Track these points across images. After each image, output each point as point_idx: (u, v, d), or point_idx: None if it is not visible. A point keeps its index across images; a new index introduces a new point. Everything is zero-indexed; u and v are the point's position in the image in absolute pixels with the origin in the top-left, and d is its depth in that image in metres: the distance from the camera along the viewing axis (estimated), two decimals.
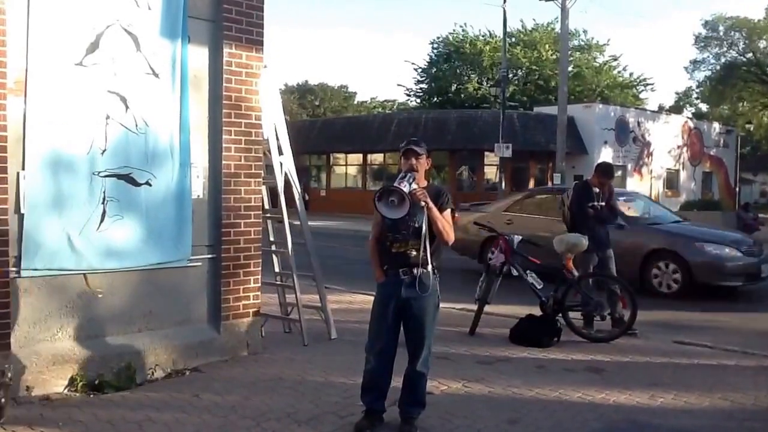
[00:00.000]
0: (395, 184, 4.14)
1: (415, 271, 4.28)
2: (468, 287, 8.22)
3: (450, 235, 4.31)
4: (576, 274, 7.31)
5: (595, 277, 7.51)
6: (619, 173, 30.19)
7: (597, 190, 7.69)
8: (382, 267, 4.43)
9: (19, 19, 4.88)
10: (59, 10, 5.04)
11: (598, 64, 41.93)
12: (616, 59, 42.64)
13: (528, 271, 7.35)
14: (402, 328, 4.44)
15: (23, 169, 4.92)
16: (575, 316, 7.34)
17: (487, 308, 7.46)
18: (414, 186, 4.20)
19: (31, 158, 4.94)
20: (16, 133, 4.88)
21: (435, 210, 4.24)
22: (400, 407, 4.49)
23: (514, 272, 7.39)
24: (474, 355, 6.47)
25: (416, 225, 4.26)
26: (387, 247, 4.37)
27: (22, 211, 4.91)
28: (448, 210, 4.38)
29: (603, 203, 7.66)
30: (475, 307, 7.50)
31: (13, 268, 4.88)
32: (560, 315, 7.18)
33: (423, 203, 4.18)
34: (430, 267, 4.31)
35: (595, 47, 42.26)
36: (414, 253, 4.27)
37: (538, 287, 7.28)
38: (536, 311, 7.25)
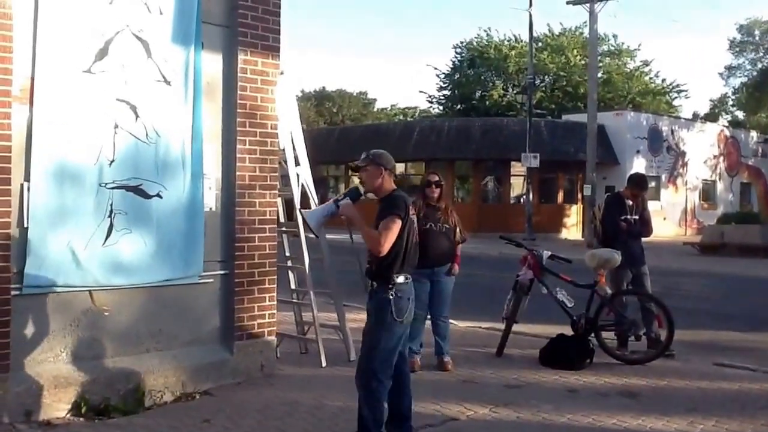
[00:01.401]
0: (311, 208, 4.49)
1: (372, 283, 4.44)
2: (494, 305, 8.07)
3: (374, 246, 4.28)
4: (609, 291, 7.14)
5: (629, 294, 7.34)
6: (652, 184, 29.83)
7: (630, 202, 7.56)
8: None
9: (26, 24, 4.86)
10: (68, 15, 5.02)
11: (628, 70, 41.62)
12: (647, 65, 42.33)
13: (558, 289, 7.20)
14: None
15: (27, 180, 4.88)
16: (608, 336, 7.17)
17: (515, 327, 7.31)
18: (345, 201, 4.48)
19: (36, 169, 4.90)
20: (20, 143, 4.85)
21: (357, 224, 4.47)
22: None
23: (544, 290, 7.24)
24: (501, 377, 6.32)
25: None
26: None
27: (25, 225, 4.86)
28: (387, 218, 4.35)
29: (636, 216, 7.51)
30: (502, 326, 7.36)
31: (15, 285, 4.81)
32: (592, 335, 7.01)
33: (344, 217, 4.47)
34: (380, 280, 4.37)
35: (625, 52, 41.97)
36: (370, 266, 4.45)
37: (569, 305, 7.12)
38: (567, 331, 7.10)
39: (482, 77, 42.22)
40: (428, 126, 31.24)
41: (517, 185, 29.27)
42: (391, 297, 4.31)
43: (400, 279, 4.35)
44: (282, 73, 6.30)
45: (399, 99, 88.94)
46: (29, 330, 4.91)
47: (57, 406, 4.91)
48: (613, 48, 41.68)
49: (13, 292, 4.79)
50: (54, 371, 4.97)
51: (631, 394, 5.87)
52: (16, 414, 4.72)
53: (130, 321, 5.37)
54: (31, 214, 4.88)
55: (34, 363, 4.94)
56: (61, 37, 4.99)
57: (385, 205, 4.43)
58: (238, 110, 5.90)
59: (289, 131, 6.66)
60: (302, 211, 4.33)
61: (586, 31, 30.84)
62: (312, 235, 4.39)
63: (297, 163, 6.75)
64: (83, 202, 5.10)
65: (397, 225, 4.32)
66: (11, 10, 4.75)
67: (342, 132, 36.64)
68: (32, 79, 4.89)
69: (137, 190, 5.36)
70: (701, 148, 33.08)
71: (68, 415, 4.93)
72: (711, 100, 51.47)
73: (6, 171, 4.74)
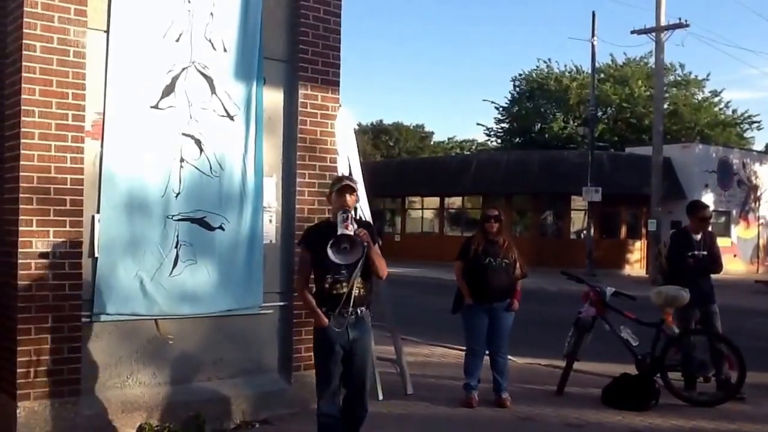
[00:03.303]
0: (344, 231, 4.33)
1: (359, 311, 4.55)
2: (555, 342, 8.04)
3: (385, 270, 4.62)
4: (676, 330, 7.05)
5: (697, 334, 7.22)
6: (722, 219, 29.15)
7: (698, 237, 7.43)
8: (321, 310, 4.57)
9: (98, 62, 5.20)
10: (137, 53, 5.35)
11: (696, 101, 40.86)
12: (717, 95, 41.48)
13: (622, 326, 7.14)
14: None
15: (98, 212, 5.18)
16: (675, 376, 7.06)
17: (576, 365, 7.27)
18: (354, 225, 4.40)
19: (106, 201, 5.21)
20: (92, 176, 5.18)
21: (374, 248, 4.52)
22: None
23: (606, 327, 7.19)
24: (562, 416, 6.30)
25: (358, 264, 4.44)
26: (326, 289, 4.53)
27: (95, 255, 5.17)
28: (376, 245, 4.58)
29: (705, 252, 7.39)
30: (562, 363, 7.33)
31: (85, 312, 5.11)
32: (658, 375, 6.92)
33: (365, 243, 4.39)
34: (368, 306, 4.62)
35: (693, 83, 41.25)
36: (358, 291, 4.51)
37: (634, 344, 7.05)
38: (631, 370, 7.02)
39: (542, 109, 42.06)
40: (486, 159, 31.28)
41: (578, 219, 28.94)
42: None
43: None
44: (341, 107, 6.52)
45: (456, 132, 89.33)
46: (98, 356, 5.19)
47: (123, 430, 5.15)
48: (680, 78, 41.05)
49: (83, 320, 5.09)
50: (121, 396, 5.23)
51: None
52: None
53: (193, 349, 5.61)
54: (101, 245, 5.18)
55: (103, 388, 5.20)
56: (130, 74, 5.32)
57: (369, 230, 4.56)
58: (299, 144, 6.13)
59: (348, 164, 6.85)
60: (343, 233, 4.38)
61: (652, 60, 30.58)
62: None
63: None
64: (151, 233, 5.38)
65: None
66: (84, 49, 5.10)
67: (398, 165, 36.97)
68: (103, 114, 5.22)
69: (202, 222, 5.62)
70: None
71: None
72: None
73: (78, 203, 5.07)
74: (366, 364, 4.69)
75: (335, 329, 4.51)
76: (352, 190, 4.59)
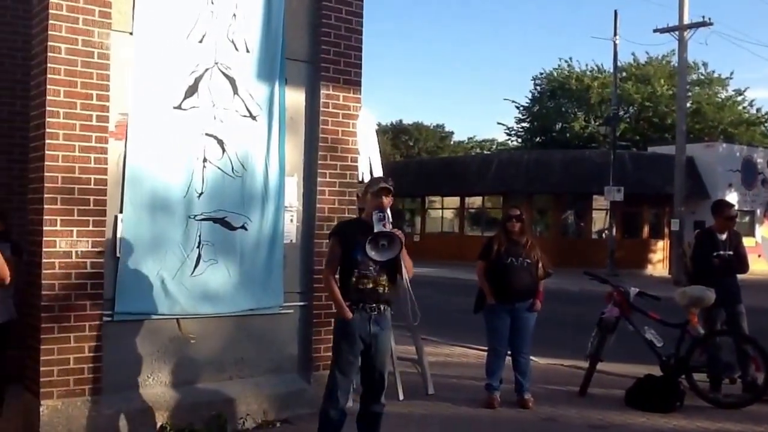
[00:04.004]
0: (382, 228, 4.44)
1: (382, 307, 4.65)
2: (578, 342, 7.96)
3: (412, 270, 4.80)
4: (701, 331, 6.95)
5: (723, 335, 7.11)
6: (746, 219, 28.78)
7: (723, 237, 7.33)
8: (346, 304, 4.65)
9: (122, 63, 5.22)
10: (160, 54, 5.36)
11: (720, 100, 40.41)
12: (740, 94, 40.97)
13: (646, 327, 7.05)
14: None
15: (121, 212, 5.20)
16: (700, 378, 6.95)
17: (600, 366, 7.19)
18: (390, 225, 4.54)
19: (130, 201, 5.22)
20: (115, 177, 5.20)
21: (404, 250, 4.60)
22: None
23: (630, 328, 7.10)
24: (585, 418, 6.23)
25: (384, 261, 4.53)
26: (352, 284, 4.62)
27: (117, 254, 5.18)
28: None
29: (731, 252, 7.28)
30: (585, 364, 7.25)
31: (107, 311, 5.13)
32: (683, 376, 6.82)
33: (402, 242, 4.51)
34: (389, 302, 4.72)
35: (716, 81, 40.80)
36: (382, 289, 4.63)
37: (658, 345, 6.96)
38: (655, 371, 6.93)
39: (563, 109, 41.81)
40: (506, 159, 31.12)
41: (599, 219, 28.73)
42: None
43: None
44: (362, 107, 6.50)
45: (476, 132, 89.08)
46: (119, 355, 5.20)
47: (144, 429, 5.16)
48: (703, 77, 40.62)
49: (105, 319, 5.11)
50: (142, 395, 5.24)
51: None
52: None
53: (215, 349, 5.61)
54: (124, 245, 5.20)
55: (124, 387, 5.22)
56: (154, 75, 5.33)
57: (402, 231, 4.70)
58: (320, 144, 6.12)
59: (369, 164, 6.83)
60: (384, 231, 4.47)
61: (674, 59, 30.29)
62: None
63: None
64: (173, 233, 5.39)
65: None
66: (109, 50, 5.12)
67: (418, 165, 36.90)
68: (127, 115, 5.24)
69: (223, 222, 5.62)
70: None
71: None
72: None
73: (102, 203, 5.09)
74: (386, 360, 4.77)
75: (358, 322, 4.61)
76: (389, 192, 4.70)
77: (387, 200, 4.68)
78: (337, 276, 4.76)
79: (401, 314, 6.99)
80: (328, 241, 4.98)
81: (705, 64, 40.19)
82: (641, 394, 6.69)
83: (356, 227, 4.74)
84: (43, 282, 4.89)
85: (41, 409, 4.85)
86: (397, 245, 4.46)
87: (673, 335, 7.00)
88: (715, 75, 40.68)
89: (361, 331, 4.62)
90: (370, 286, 4.61)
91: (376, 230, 4.44)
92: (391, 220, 4.64)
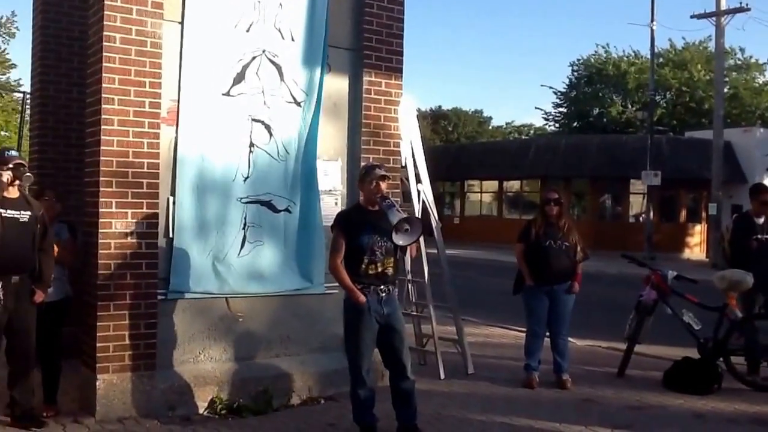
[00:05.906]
0: (397, 214, 4.48)
1: (391, 288, 4.73)
2: (616, 324, 7.81)
3: (415, 251, 4.93)
4: (739, 314, 6.76)
5: (762, 319, 6.91)
6: None
7: (761, 221, 7.10)
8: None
9: (173, 52, 5.24)
10: (209, 43, 5.37)
11: (757, 85, 39.24)
12: None
13: (684, 310, 6.88)
14: (378, 346, 4.78)
15: (173, 194, 5.23)
16: (738, 360, 6.77)
17: (637, 348, 7.05)
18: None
19: (181, 184, 5.25)
20: (167, 161, 5.23)
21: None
22: (401, 421, 4.80)
23: (668, 311, 6.94)
24: (623, 399, 6.11)
25: (388, 245, 4.62)
26: (362, 269, 4.64)
27: (170, 236, 5.23)
28: None
29: None
30: (623, 346, 7.12)
31: (161, 290, 5.18)
32: (721, 359, 6.65)
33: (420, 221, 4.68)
34: (395, 282, 4.82)
35: (753, 66, 39.60)
36: (391, 271, 4.71)
37: (696, 328, 6.79)
38: (693, 354, 6.77)
39: (600, 94, 41.07)
40: (544, 143, 30.69)
41: (636, 203, 28.17)
42: None
43: None
44: (403, 93, 6.43)
45: (514, 117, 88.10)
46: (172, 332, 5.27)
47: (195, 403, 5.23)
48: (740, 62, 39.46)
49: (159, 297, 5.16)
50: (194, 371, 5.29)
51: (764, 423, 5.54)
52: (160, 408, 5.07)
53: (262, 327, 5.64)
54: (176, 226, 5.23)
55: (177, 363, 5.28)
56: (203, 63, 5.34)
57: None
58: (363, 129, 6.08)
59: (411, 149, 6.77)
60: (409, 216, 4.53)
61: (711, 45, 29.45)
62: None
63: (418, 180, 6.84)
64: (222, 215, 5.41)
65: None
66: (161, 40, 5.14)
67: (457, 150, 36.65)
68: (178, 102, 5.27)
69: (269, 205, 5.63)
70: None
71: (205, 412, 5.22)
72: None
73: (154, 186, 5.13)
74: (404, 336, 4.81)
75: (373, 305, 4.65)
76: (387, 179, 4.81)
77: (384, 185, 4.74)
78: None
79: (443, 296, 6.95)
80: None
81: (742, 50, 39.10)
82: (679, 376, 6.55)
83: (357, 214, 4.77)
84: (99, 262, 4.95)
85: (98, 383, 4.93)
86: (418, 226, 4.57)
87: (711, 318, 6.82)
88: (753, 60, 39.52)
89: (375, 312, 4.65)
90: (380, 269, 4.66)
91: (391, 218, 4.46)
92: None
